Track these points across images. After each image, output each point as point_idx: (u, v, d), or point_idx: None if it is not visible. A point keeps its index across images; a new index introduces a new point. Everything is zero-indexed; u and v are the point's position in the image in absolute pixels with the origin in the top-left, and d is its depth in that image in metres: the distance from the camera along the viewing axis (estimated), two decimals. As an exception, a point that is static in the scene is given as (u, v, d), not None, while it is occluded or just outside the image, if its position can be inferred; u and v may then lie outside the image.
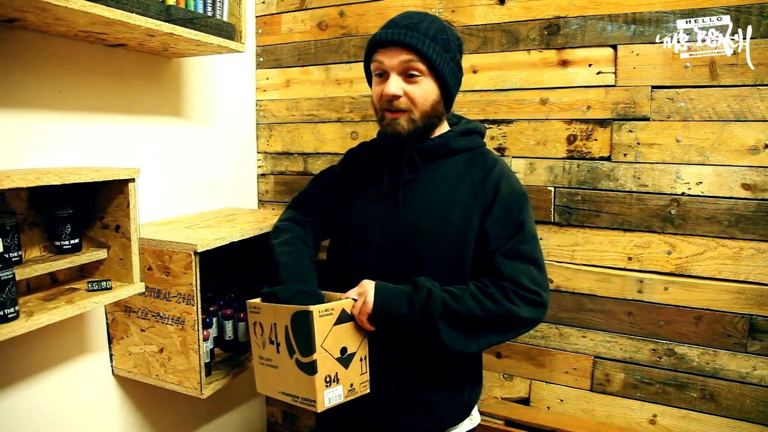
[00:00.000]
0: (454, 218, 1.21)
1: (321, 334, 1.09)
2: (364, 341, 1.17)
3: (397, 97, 1.17)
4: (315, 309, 1.08)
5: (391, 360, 1.23)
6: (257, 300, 1.22)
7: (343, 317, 1.13)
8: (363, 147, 1.45)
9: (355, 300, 1.15)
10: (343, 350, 1.13)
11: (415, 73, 1.17)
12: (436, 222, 1.21)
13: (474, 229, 1.20)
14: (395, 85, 1.17)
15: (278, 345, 1.15)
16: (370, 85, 1.29)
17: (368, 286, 1.16)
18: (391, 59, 1.17)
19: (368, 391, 1.18)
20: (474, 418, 1.38)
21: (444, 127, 1.30)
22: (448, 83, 1.20)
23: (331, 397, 1.11)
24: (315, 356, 1.08)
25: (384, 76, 1.20)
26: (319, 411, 1.09)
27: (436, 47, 1.16)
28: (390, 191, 1.28)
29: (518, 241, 1.19)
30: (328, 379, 1.10)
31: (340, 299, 1.17)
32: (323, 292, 1.23)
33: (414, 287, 1.14)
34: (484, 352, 1.78)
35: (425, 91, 1.18)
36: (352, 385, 1.14)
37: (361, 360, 1.17)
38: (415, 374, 1.23)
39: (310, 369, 1.09)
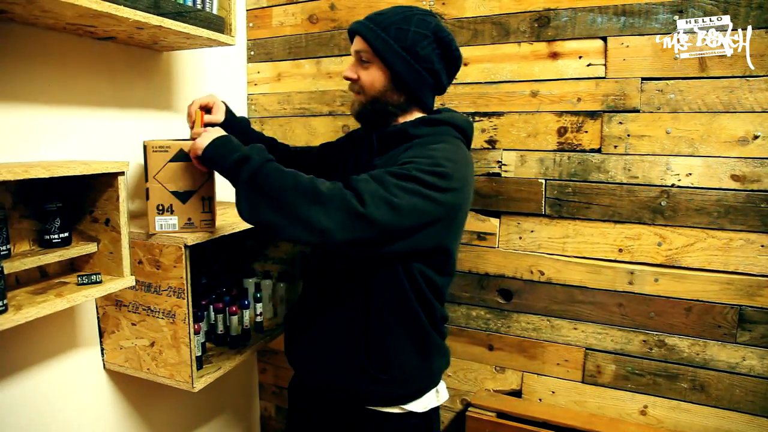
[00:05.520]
0: None
1: (155, 167, 1.25)
2: (209, 183, 1.30)
3: (351, 79, 1.27)
4: (150, 143, 1.24)
5: (345, 316, 1.23)
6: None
7: (181, 156, 1.26)
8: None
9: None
10: (181, 186, 1.28)
11: (365, 60, 1.24)
12: None
13: None
14: (350, 68, 1.27)
15: None
16: None
17: (209, 130, 1.22)
18: (353, 46, 1.27)
19: (213, 230, 1.34)
20: (441, 395, 1.33)
21: (413, 117, 1.27)
22: (396, 70, 1.19)
23: (163, 224, 1.30)
24: (147, 185, 1.27)
25: None
26: (150, 232, 1.30)
27: (386, 37, 1.19)
28: (353, 173, 1.14)
29: (386, 170, 1.09)
30: (160, 208, 1.29)
31: None
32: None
33: (251, 148, 1.13)
34: (475, 345, 1.80)
35: (371, 75, 1.24)
36: (190, 219, 1.31)
37: (203, 199, 1.31)
38: (371, 331, 1.19)
39: (146, 195, 1.28)
